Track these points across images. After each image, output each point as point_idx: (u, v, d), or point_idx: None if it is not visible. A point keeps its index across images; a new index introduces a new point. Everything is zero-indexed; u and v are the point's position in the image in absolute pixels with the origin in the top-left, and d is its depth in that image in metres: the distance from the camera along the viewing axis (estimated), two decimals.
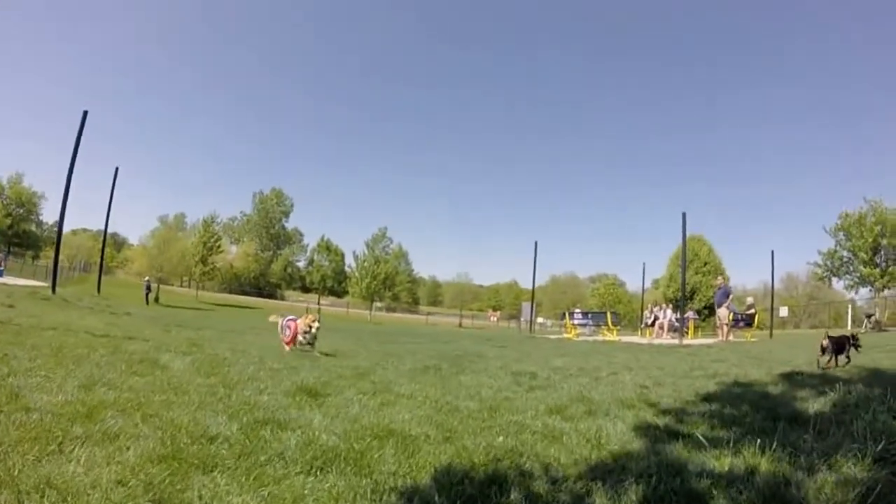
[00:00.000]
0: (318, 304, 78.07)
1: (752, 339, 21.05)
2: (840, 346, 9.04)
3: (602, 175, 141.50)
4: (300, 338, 8.79)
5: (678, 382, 6.75)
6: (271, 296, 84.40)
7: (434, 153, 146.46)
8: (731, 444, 3.42)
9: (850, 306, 39.43)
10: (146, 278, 51.91)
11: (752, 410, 4.59)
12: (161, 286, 58.10)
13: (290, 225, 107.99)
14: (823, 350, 9.18)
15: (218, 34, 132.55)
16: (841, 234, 36.68)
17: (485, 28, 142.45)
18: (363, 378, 6.26)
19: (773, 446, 3.28)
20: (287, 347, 8.80)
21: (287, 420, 3.79)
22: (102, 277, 32.68)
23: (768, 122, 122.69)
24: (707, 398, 5.37)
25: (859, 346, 9.17)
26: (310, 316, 9.10)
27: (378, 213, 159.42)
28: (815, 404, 4.67)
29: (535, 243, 30.57)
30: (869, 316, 29.06)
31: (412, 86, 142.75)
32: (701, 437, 3.58)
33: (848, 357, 8.97)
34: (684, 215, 21.23)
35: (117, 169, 28.06)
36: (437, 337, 20.13)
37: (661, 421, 4.33)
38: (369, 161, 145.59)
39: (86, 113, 19.82)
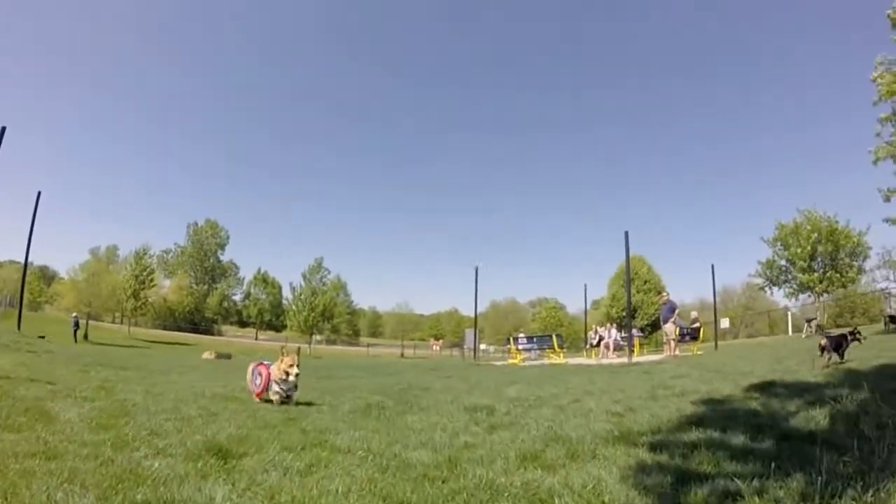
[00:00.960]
0: (256, 338, 75.58)
1: (699, 353, 21.22)
2: (838, 344, 8.93)
3: (538, 200, 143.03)
4: (274, 387, 6.87)
5: (650, 406, 6.35)
6: (207, 331, 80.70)
7: (371, 183, 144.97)
8: (764, 484, 2.84)
9: (788, 313, 40.49)
10: (74, 314, 48.71)
11: (753, 432, 4.20)
12: (92, 322, 55.02)
13: (225, 257, 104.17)
14: (823, 350, 9.31)
15: (153, 62, 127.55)
16: (778, 244, 37.68)
17: (419, 58, 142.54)
18: (292, 425, 5.26)
19: (821, 480, 2.73)
20: (257, 399, 7.11)
21: (177, 501, 2.79)
22: (31, 314, 30.12)
23: (696, 145, 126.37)
24: (694, 422, 4.91)
25: (862, 338, 9.68)
26: (287, 358, 6.95)
27: (315, 245, 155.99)
28: (817, 417, 4.47)
29: (476, 268, 30.29)
30: (809, 321, 29.79)
31: (347, 117, 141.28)
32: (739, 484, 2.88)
33: (841, 355, 9.21)
34: (627, 234, 21.27)
35: (39, 193, 25.87)
36: (379, 369, 19.05)
37: (660, 459, 3.68)
38: (305, 192, 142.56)
39: (3, 129, 18.23)
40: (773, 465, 3.13)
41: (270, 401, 6.85)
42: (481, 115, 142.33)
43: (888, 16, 18.74)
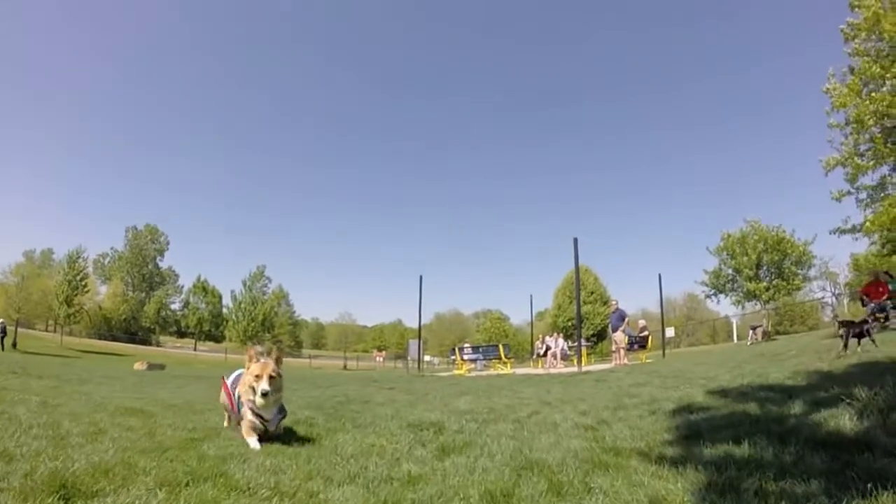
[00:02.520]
0: (195, 349, 72.48)
1: (648, 361, 20.97)
2: (860, 332, 9.58)
3: (483, 211, 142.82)
4: (247, 414, 4.66)
5: (623, 416, 5.71)
6: (145, 342, 76.70)
7: (314, 193, 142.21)
8: None
9: (734, 321, 41.33)
10: (1, 320, 45.16)
11: (777, 442, 3.58)
12: (22, 330, 51.52)
13: (164, 264, 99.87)
14: (845, 339, 9.60)
15: (94, 62, 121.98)
16: (724, 253, 38.44)
17: (366, 64, 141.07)
18: (190, 449, 4.15)
19: None
20: (225, 423, 5.41)
21: None
22: None
23: (641, 157, 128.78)
24: (690, 434, 4.29)
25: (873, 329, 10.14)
26: (256, 364, 4.73)
27: (257, 254, 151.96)
28: (838, 418, 3.92)
29: (420, 277, 29.15)
30: (754, 328, 30.27)
31: (291, 123, 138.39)
32: None
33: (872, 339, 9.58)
34: (576, 241, 20.77)
35: None
36: (319, 381, 17.56)
37: (673, 488, 2.84)
38: (248, 200, 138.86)
39: None
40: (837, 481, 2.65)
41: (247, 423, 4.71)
42: (426, 126, 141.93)
43: (841, 30, 19.31)
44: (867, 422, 3.68)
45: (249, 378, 4.71)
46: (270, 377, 4.62)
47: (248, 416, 4.62)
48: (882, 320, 16.17)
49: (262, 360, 4.74)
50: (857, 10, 18.90)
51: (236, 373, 5.26)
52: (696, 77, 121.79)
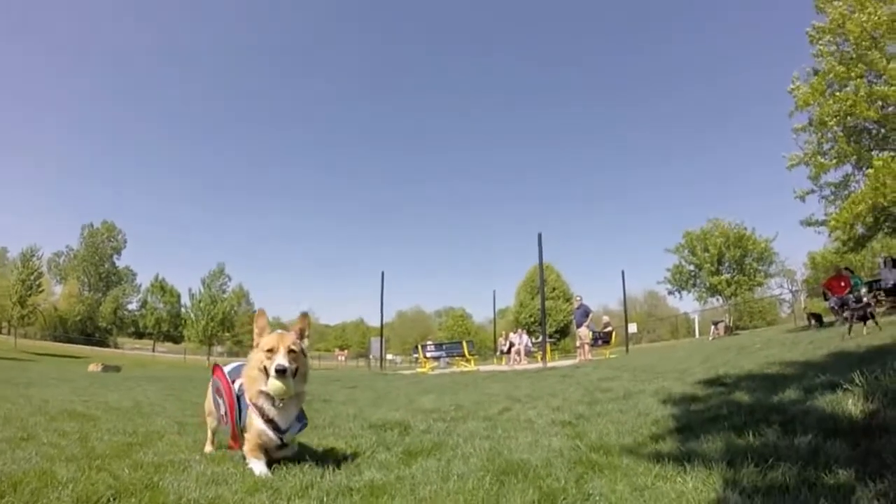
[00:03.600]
0: (153, 350, 70.53)
1: (612, 356, 21.18)
2: (863, 315, 10.37)
3: (444, 209, 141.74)
4: (254, 420, 3.34)
5: (601, 411, 5.33)
6: (101, 343, 74.21)
7: (274, 191, 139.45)
8: None
9: (695, 317, 41.98)
10: None
11: (782, 431, 3.33)
12: None
13: (122, 263, 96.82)
14: (850, 322, 10.48)
15: (49, 57, 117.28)
16: (685, 250, 38.99)
17: (326, 63, 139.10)
18: (125, 456, 3.69)
19: None
20: (208, 446, 4.14)
21: None
22: None
23: (603, 156, 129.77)
24: (680, 428, 3.97)
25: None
26: (274, 333, 3.42)
27: (216, 253, 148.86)
28: (842, 403, 3.66)
29: (382, 273, 28.53)
30: (716, 323, 30.71)
31: (247, 120, 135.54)
32: None
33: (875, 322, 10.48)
34: (540, 236, 20.70)
35: None
36: None
37: (685, 489, 2.49)
38: (207, 198, 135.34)
39: None
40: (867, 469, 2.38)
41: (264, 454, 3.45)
42: (387, 124, 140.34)
43: (807, 33, 19.80)
44: (875, 406, 3.47)
45: (259, 356, 3.31)
46: (290, 350, 3.28)
47: (256, 422, 3.28)
48: (843, 314, 16.46)
49: (278, 332, 3.45)
50: (822, 12, 19.38)
51: (233, 364, 3.93)
52: (663, 77, 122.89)
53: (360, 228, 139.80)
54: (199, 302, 57.57)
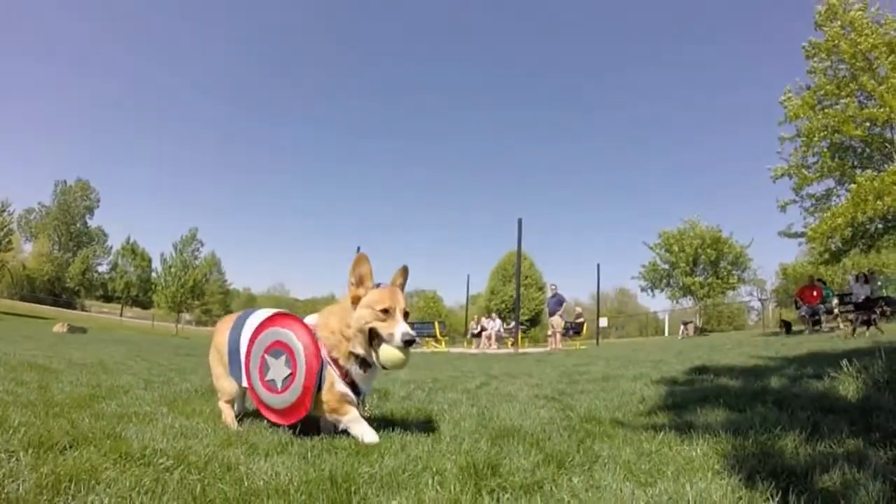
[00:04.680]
0: (121, 315, 69.40)
1: (582, 347, 21.35)
2: (866, 320, 11.06)
3: (421, 191, 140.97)
4: (338, 365, 2.96)
5: (584, 389, 5.22)
6: (69, 305, 72.54)
7: (247, 164, 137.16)
8: None
9: (665, 316, 42.46)
10: None
11: (778, 408, 3.28)
12: None
13: (94, 223, 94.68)
14: (854, 324, 11.23)
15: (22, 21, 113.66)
16: (662, 249, 39.33)
17: (289, 42, 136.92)
18: (86, 407, 3.48)
19: None
20: (275, 420, 3.03)
21: None
22: None
23: (588, 147, 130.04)
24: (668, 406, 3.84)
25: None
26: (384, 288, 2.96)
27: (189, 219, 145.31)
28: (837, 386, 3.80)
29: (358, 248, 28.16)
30: (686, 323, 31.11)
31: (221, 86, 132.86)
32: None
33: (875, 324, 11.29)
34: (520, 221, 20.75)
35: None
36: None
37: (695, 454, 2.40)
38: (182, 162, 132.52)
39: None
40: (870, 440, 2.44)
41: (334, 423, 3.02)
42: (364, 105, 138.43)
43: (803, 48, 20.17)
44: (867, 391, 3.53)
45: (365, 313, 2.84)
46: (406, 314, 2.93)
47: (339, 385, 2.90)
48: (812, 323, 16.77)
49: (387, 286, 2.98)
50: (820, 29, 19.68)
51: (229, 323, 3.45)
52: (649, 74, 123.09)
53: (335, 203, 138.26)
54: (171, 267, 56.50)
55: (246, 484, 1.97)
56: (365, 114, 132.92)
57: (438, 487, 1.95)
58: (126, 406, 3.63)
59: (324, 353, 2.92)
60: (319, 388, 2.88)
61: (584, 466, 2.29)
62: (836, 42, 18.63)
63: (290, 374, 2.88)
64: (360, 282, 2.93)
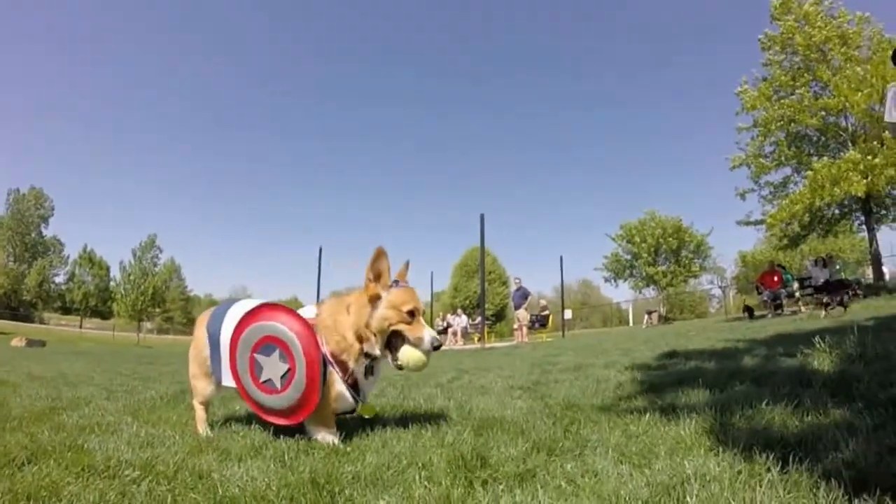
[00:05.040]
0: (81, 327, 67.40)
1: (548, 339, 21.32)
2: (841, 299, 12.18)
3: (382, 188, 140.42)
4: (343, 367, 2.78)
5: (558, 378, 5.10)
6: (27, 318, 70.04)
7: (206, 163, 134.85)
8: None
9: (629, 306, 43.04)
10: None
11: (759, 385, 3.35)
12: None
13: (49, 232, 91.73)
14: (831, 304, 12.07)
15: None
16: (624, 240, 39.89)
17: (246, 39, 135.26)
18: (46, 420, 3.30)
19: None
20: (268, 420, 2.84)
21: None
22: None
23: (551, 142, 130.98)
24: (646, 389, 3.85)
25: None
26: (403, 288, 2.81)
27: (148, 226, 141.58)
28: (815, 362, 3.83)
29: (320, 249, 27.80)
30: (650, 313, 31.62)
31: (170, 100, 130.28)
32: None
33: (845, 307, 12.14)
34: (482, 217, 20.63)
35: None
36: None
37: (684, 433, 2.35)
38: (138, 168, 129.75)
39: None
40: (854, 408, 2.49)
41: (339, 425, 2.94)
42: (324, 101, 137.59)
43: (759, 40, 20.82)
44: (841, 364, 3.62)
45: (393, 314, 2.69)
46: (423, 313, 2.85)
47: (338, 386, 2.76)
48: (774, 307, 17.13)
49: (405, 285, 2.84)
50: (776, 22, 20.28)
51: (209, 317, 3.16)
52: (603, 64, 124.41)
53: (294, 204, 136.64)
54: (130, 275, 55.11)
55: (220, 492, 1.86)
56: (321, 112, 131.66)
57: (427, 483, 1.87)
58: (88, 417, 3.46)
59: (325, 349, 2.73)
60: (325, 380, 2.70)
61: (575, 452, 2.23)
62: (792, 35, 19.15)
63: (289, 369, 2.68)
64: (377, 278, 2.76)
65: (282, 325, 2.73)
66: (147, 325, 60.78)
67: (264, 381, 2.74)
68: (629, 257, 40.06)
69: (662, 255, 39.13)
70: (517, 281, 22.32)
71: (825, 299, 12.16)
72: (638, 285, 40.77)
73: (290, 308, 2.89)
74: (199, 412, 3.11)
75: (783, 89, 19.73)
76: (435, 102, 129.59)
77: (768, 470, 1.77)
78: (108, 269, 78.01)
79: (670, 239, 38.23)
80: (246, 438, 2.68)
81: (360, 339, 2.73)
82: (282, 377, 2.68)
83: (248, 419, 3.31)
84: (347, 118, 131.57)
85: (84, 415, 3.56)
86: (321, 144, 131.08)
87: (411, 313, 2.69)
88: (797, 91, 19.14)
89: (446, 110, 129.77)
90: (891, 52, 5.64)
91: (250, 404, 2.88)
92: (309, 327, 2.73)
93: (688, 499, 1.59)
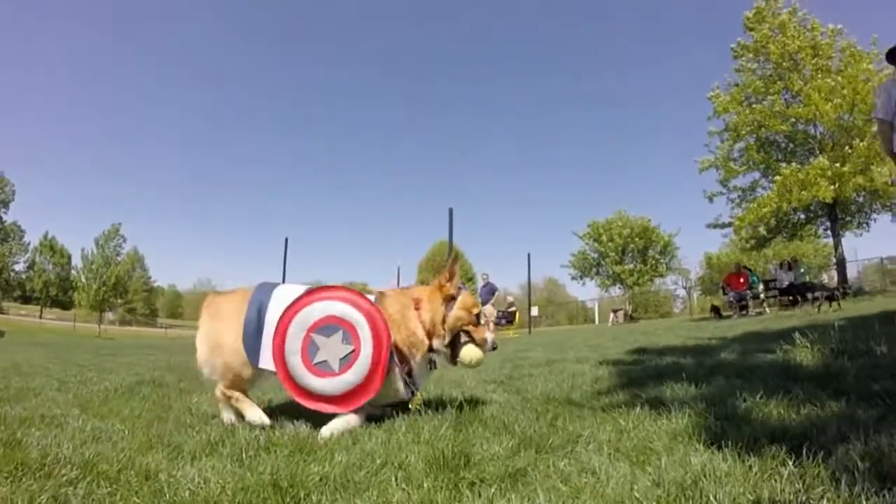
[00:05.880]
0: (41, 317, 65.49)
1: (514, 336, 21.29)
2: (830, 296, 13.08)
3: (352, 180, 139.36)
4: (404, 362, 2.83)
5: (531, 373, 4.99)
6: None
7: (173, 149, 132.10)
8: None
9: (595, 304, 43.44)
10: None
11: (738, 382, 3.18)
12: None
13: (9, 217, 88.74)
14: (821, 300, 12.93)
15: None
16: (591, 239, 40.17)
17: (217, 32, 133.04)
18: None
19: None
20: (309, 404, 2.71)
21: None
22: None
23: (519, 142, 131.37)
24: (624, 384, 3.72)
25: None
26: (471, 295, 3.04)
27: (111, 216, 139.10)
28: (798, 356, 3.79)
29: (286, 240, 27.16)
30: (616, 311, 31.93)
31: (132, 88, 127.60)
32: None
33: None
34: (451, 211, 20.39)
35: None
36: (178, 349, 15.83)
37: (676, 426, 2.32)
38: (102, 153, 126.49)
39: None
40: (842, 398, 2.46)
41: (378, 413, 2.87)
42: (293, 93, 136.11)
43: (732, 49, 21.21)
44: (825, 358, 3.58)
45: (465, 315, 2.85)
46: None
47: (396, 376, 2.77)
48: (740, 308, 17.34)
49: (466, 288, 3.02)
50: (749, 32, 20.68)
51: (283, 289, 2.97)
52: (577, 66, 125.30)
53: (259, 196, 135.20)
54: (92, 264, 53.62)
55: (167, 495, 1.64)
56: (288, 105, 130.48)
57: (405, 485, 1.68)
58: (32, 409, 3.20)
59: (410, 349, 2.83)
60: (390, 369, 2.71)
61: (566, 449, 2.07)
62: (765, 43, 19.42)
63: (353, 350, 2.63)
64: (451, 278, 2.92)
65: (350, 306, 2.73)
66: (109, 315, 59.34)
67: (318, 363, 2.65)
68: (596, 255, 40.32)
69: (629, 254, 39.45)
70: (485, 277, 22.24)
71: (815, 295, 13.02)
72: (604, 283, 41.10)
73: (357, 290, 2.92)
74: (240, 396, 2.85)
75: (755, 95, 20.02)
76: (402, 97, 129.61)
77: (783, 463, 1.64)
78: (69, 257, 76.12)
79: (637, 239, 38.56)
80: (201, 434, 2.44)
81: (430, 335, 2.84)
82: (342, 359, 2.63)
83: (205, 414, 3.08)
84: (313, 113, 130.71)
85: (29, 406, 3.31)
86: (286, 138, 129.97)
87: (477, 316, 2.93)
88: (769, 97, 19.43)
89: (413, 105, 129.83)
90: (887, 50, 5.62)
91: (291, 388, 2.71)
92: (379, 311, 2.74)
93: (709, 498, 1.44)
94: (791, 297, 16.77)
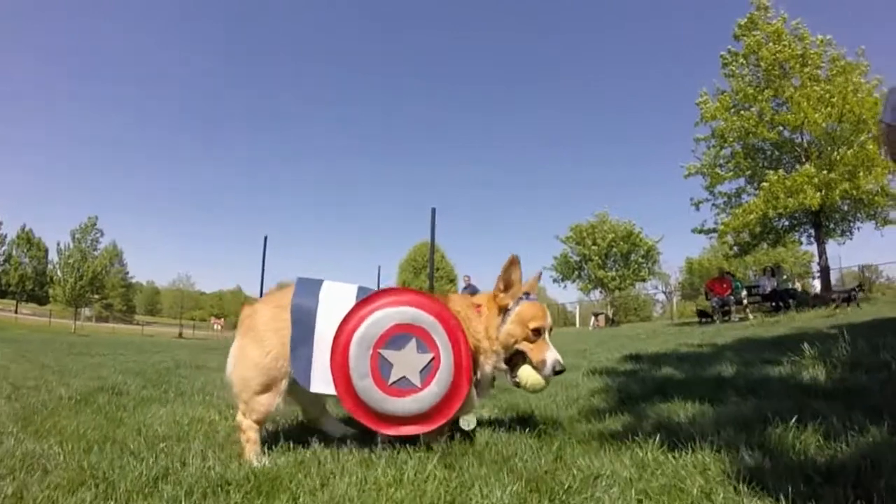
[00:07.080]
0: (16, 312, 64.05)
1: None
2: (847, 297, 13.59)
3: (328, 182, 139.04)
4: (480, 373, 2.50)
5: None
6: None
7: (153, 149, 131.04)
8: None
9: (577, 308, 43.36)
10: None
11: (749, 398, 3.00)
12: None
13: None
14: (838, 302, 13.16)
15: None
16: (573, 242, 40.07)
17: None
18: None
19: None
20: (384, 432, 2.35)
21: None
22: None
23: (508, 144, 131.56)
24: (622, 399, 3.51)
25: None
26: (533, 301, 2.57)
27: (90, 208, 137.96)
28: (810, 371, 3.56)
29: (266, 238, 26.56)
30: (597, 315, 31.91)
31: (112, 84, 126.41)
32: None
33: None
34: (434, 211, 19.95)
35: None
36: (150, 347, 15.30)
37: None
38: (81, 148, 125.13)
39: None
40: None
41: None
42: (277, 95, 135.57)
43: (721, 56, 21.09)
44: (840, 373, 3.38)
45: (519, 330, 2.42)
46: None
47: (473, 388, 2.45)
48: (723, 313, 17.26)
49: (535, 299, 2.60)
50: (739, 40, 20.65)
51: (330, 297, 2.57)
52: (564, 69, 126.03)
53: (239, 195, 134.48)
54: (69, 258, 52.27)
55: None
56: (268, 104, 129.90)
57: None
58: None
59: (488, 357, 2.47)
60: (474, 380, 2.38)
61: (584, 494, 1.72)
62: (756, 50, 19.41)
63: (433, 357, 2.28)
64: (507, 287, 2.48)
65: (416, 309, 2.34)
66: (85, 311, 58.10)
67: (395, 382, 2.27)
68: (578, 259, 40.17)
69: (612, 258, 39.36)
70: (466, 279, 21.95)
71: (833, 296, 13.32)
72: (586, 287, 40.98)
73: (416, 289, 2.52)
74: (253, 435, 2.36)
75: (743, 102, 20.02)
76: (384, 96, 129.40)
77: None
78: (46, 251, 74.66)
79: (621, 243, 38.50)
80: (144, 464, 2.05)
81: (490, 352, 2.46)
82: (422, 371, 2.28)
83: (156, 436, 2.71)
84: (295, 111, 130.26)
85: None
86: (266, 135, 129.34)
87: (537, 331, 2.42)
88: (757, 104, 19.42)
89: (395, 104, 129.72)
90: None
91: (364, 417, 2.31)
92: (449, 309, 2.41)
93: None
94: (773, 304, 16.70)
